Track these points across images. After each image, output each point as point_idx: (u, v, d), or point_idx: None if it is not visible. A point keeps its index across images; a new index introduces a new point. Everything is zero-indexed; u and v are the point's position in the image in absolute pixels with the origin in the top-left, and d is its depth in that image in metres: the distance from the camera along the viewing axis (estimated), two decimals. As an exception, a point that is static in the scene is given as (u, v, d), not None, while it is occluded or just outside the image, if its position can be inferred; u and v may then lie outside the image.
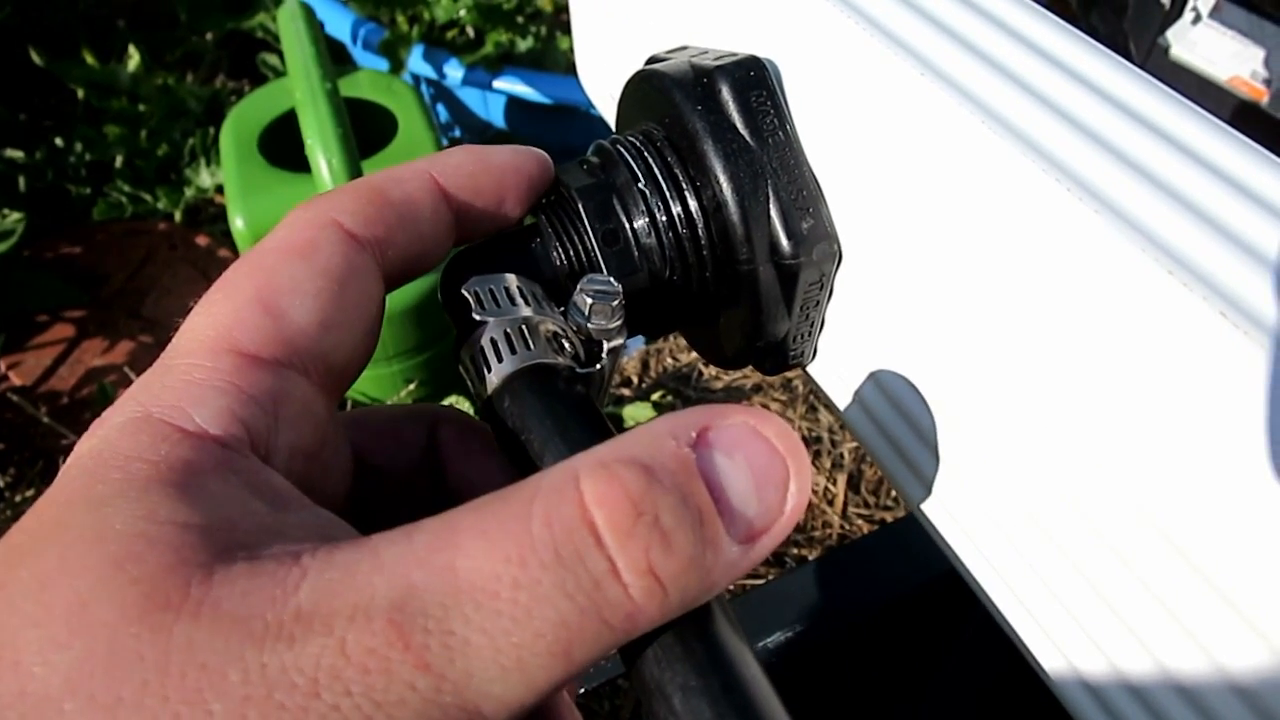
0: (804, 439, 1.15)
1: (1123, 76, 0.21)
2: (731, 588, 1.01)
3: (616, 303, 0.24)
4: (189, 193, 1.32)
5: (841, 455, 1.13)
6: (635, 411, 1.10)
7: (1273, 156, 0.19)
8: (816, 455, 1.13)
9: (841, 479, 1.11)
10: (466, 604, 0.15)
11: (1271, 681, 0.18)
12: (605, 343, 0.25)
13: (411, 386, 1.04)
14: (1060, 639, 0.23)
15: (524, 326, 0.24)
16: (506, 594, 0.15)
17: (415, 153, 1.02)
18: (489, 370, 0.24)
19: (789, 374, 1.21)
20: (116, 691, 0.13)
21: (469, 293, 0.24)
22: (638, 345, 1.26)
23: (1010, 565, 0.24)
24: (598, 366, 0.25)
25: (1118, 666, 0.21)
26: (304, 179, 0.95)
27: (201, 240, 1.28)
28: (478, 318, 0.23)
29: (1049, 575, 0.23)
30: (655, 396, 1.15)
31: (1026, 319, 0.21)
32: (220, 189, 1.31)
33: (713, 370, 1.22)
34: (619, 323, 0.25)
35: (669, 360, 1.24)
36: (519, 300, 0.24)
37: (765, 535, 0.17)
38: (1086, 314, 0.20)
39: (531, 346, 0.24)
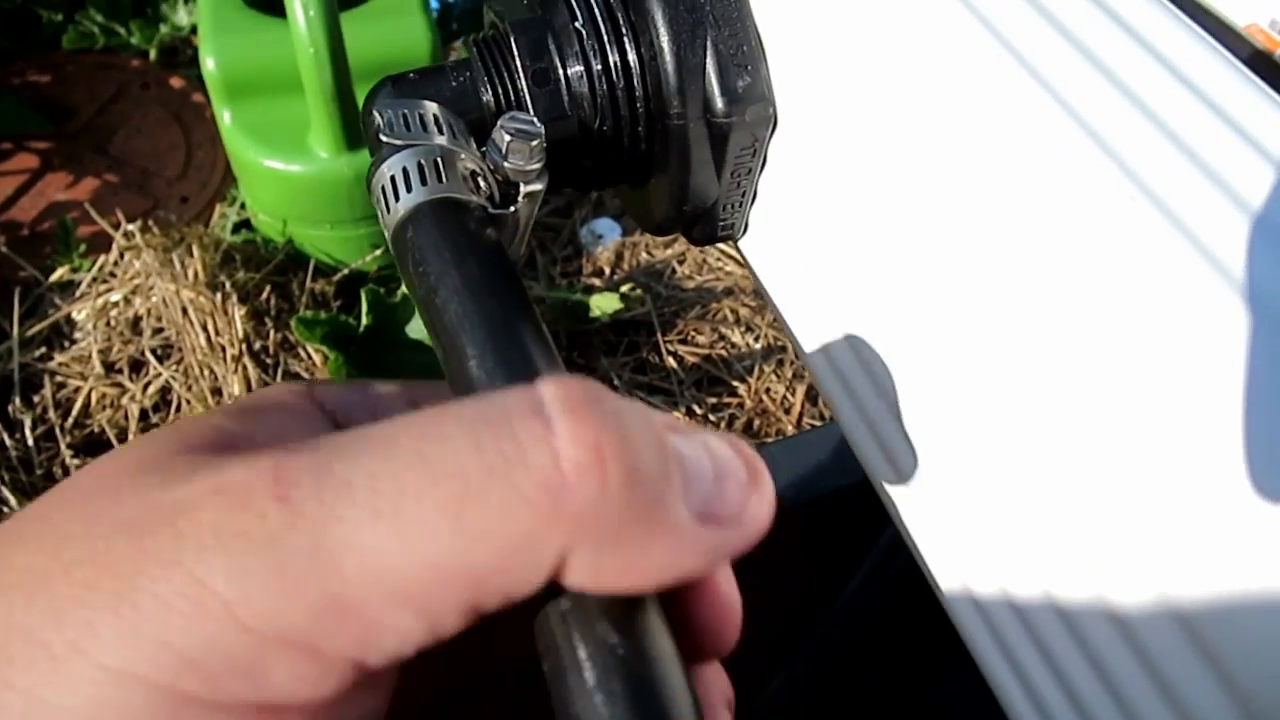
0: (769, 346, 1.15)
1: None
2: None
3: (536, 143, 0.23)
4: (164, 30, 1.26)
5: (803, 366, 1.14)
6: (602, 301, 1.09)
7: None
8: (780, 364, 1.13)
9: (800, 389, 1.11)
10: (358, 444, 0.13)
11: (1201, 614, 0.18)
12: (522, 185, 0.24)
13: (378, 252, 1.03)
14: (960, 562, 0.23)
15: (439, 159, 0.23)
16: (407, 441, 0.13)
17: (398, 6, 0.99)
18: (396, 199, 0.23)
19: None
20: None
21: (381, 114, 0.23)
22: (614, 235, 1.24)
23: (926, 493, 0.24)
24: (512, 209, 0.24)
25: (1007, 589, 0.21)
26: (279, 24, 0.91)
27: (176, 82, 1.24)
28: (384, 139, 0.22)
29: (958, 501, 0.22)
30: (625, 288, 1.14)
31: (980, 203, 0.20)
32: (197, 30, 1.26)
33: (685, 269, 1.21)
34: (538, 165, 0.24)
35: (644, 255, 1.23)
36: (432, 129, 0.23)
37: (720, 524, 0.14)
38: (1036, 200, 0.19)
39: (443, 179, 0.23)
